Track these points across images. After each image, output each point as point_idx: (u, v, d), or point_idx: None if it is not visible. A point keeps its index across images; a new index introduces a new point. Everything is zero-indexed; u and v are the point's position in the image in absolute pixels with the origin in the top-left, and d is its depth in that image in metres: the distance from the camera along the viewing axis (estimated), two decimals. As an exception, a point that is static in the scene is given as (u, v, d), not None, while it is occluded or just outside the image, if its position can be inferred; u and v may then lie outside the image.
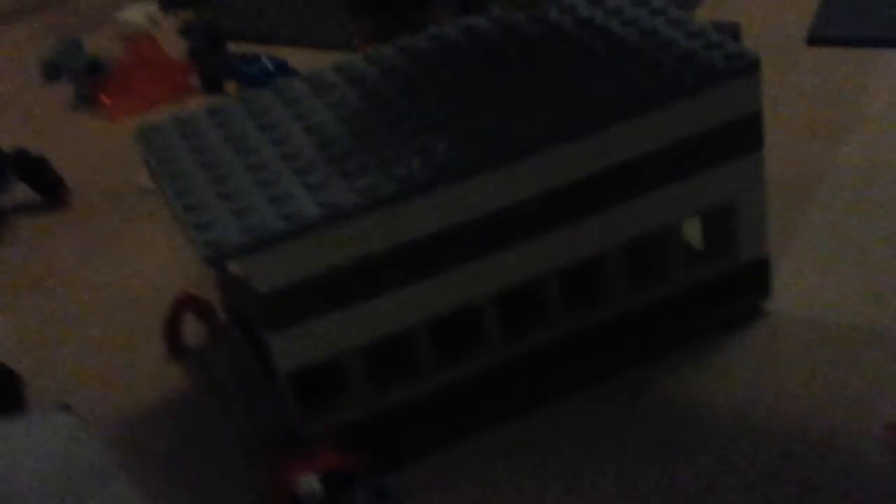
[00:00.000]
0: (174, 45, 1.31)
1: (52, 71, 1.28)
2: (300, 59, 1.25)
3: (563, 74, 0.76)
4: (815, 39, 1.15)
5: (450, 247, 0.72)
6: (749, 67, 0.74)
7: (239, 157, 0.75)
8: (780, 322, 0.83)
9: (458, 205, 0.71)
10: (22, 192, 1.12)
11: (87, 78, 1.27)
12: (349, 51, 1.22)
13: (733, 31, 1.14)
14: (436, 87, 0.78)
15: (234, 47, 1.30)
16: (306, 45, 1.31)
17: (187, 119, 0.80)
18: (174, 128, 0.80)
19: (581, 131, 0.72)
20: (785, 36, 1.17)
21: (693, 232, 0.82)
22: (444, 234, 0.71)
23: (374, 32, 1.20)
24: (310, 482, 0.69)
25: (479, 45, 0.81)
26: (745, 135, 0.76)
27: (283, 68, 1.22)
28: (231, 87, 1.24)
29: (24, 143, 1.15)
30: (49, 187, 1.12)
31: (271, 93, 0.81)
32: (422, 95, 0.77)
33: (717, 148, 0.76)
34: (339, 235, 0.69)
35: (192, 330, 0.89)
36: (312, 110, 0.78)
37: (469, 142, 0.72)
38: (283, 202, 0.69)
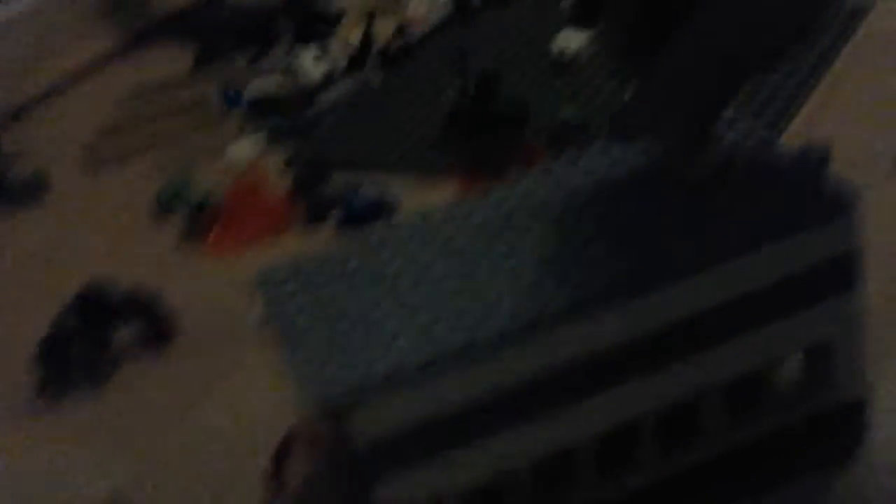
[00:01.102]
0: (279, 176, 1.34)
1: (164, 207, 1.31)
2: (400, 185, 1.27)
3: (677, 213, 0.77)
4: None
5: (555, 388, 0.73)
6: (848, 206, 0.75)
7: (354, 304, 0.77)
8: (872, 469, 0.81)
9: (564, 347, 0.72)
10: (131, 330, 1.14)
11: (196, 215, 1.30)
12: (450, 177, 1.24)
13: (824, 155, 1.13)
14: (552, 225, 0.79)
15: (337, 176, 1.32)
16: (407, 170, 1.33)
17: (308, 265, 0.82)
18: (293, 273, 0.82)
19: (698, 267, 0.73)
20: (876, 155, 1.15)
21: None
22: (547, 376, 0.72)
23: (473, 158, 1.22)
24: None
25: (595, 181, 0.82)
26: (844, 273, 0.77)
27: (384, 196, 1.24)
28: (334, 218, 1.25)
29: (136, 279, 1.17)
30: (159, 325, 1.14)
31: (388, 235, 0.83)
32: (531, 237, 0.78)
33: (816, 286, 0.76)
34: (442, 384, 0.70)
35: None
36: (426, 256, 0.80)
37: (584, 283, 0.73)
38: (390, 351, 0.71)
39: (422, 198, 1.24)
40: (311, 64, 1.51)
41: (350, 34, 1.54)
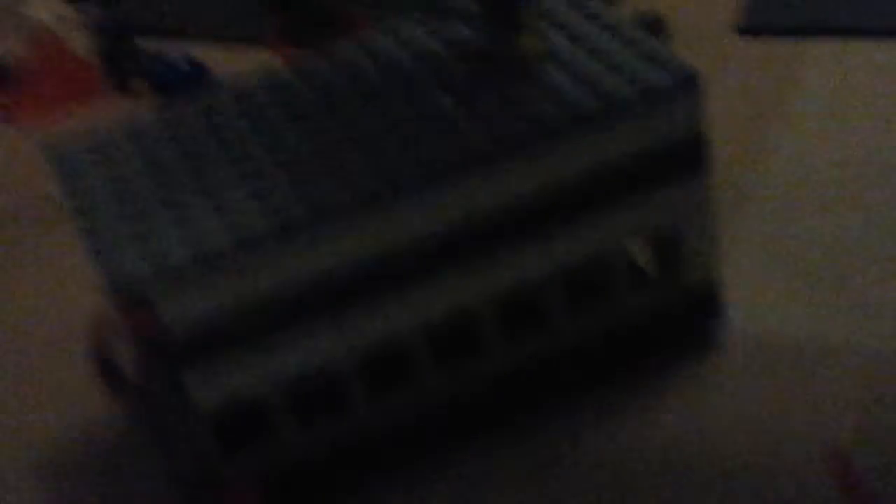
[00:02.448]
0: (82, 43, 1.25)
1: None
2: (213, 55, 1.20)
3: (497, 91, 0.72)
4: (744, 29, 1.12)
5: (377, 277, 0.68)
6: (692, 84, 0.70)
7: (153, 183, 0.70)
8: (729, 345, 0.80)
9: (384, 230, 0.67)
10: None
11: (-10, 80, 1.21)
12: (262, 46, 1.17)
13: (659, 25, 1.11)
14: (370, 105, 0.73)
15: (145, 43, 1.25)
16: (219, 38, 1.26)
17: (101, 138, 0.75)
18: (85, 147, 0.75)
19: (510, 153, 0.68)
20: (714, 27, 1.13)
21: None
22: (370, 262, 0.67)
23: (287, 27, 1.16)
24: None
25: (414, 57, 0.77)
26: (691, 155, 0.72)
27: (198, 69, 1.17)
28: (141, 85, 1.18)
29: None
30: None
31: (194, 109, 0.76)
32: (350, 115, 0.73)
33: (661, 169, 0.72)
34: (251, 266, 0.65)
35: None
36: (237, 132, 0.74)
37: (388, 165, 0.68)
38: (194, 231, 0.65)
39: (234, 67, 1.18)
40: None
41: None
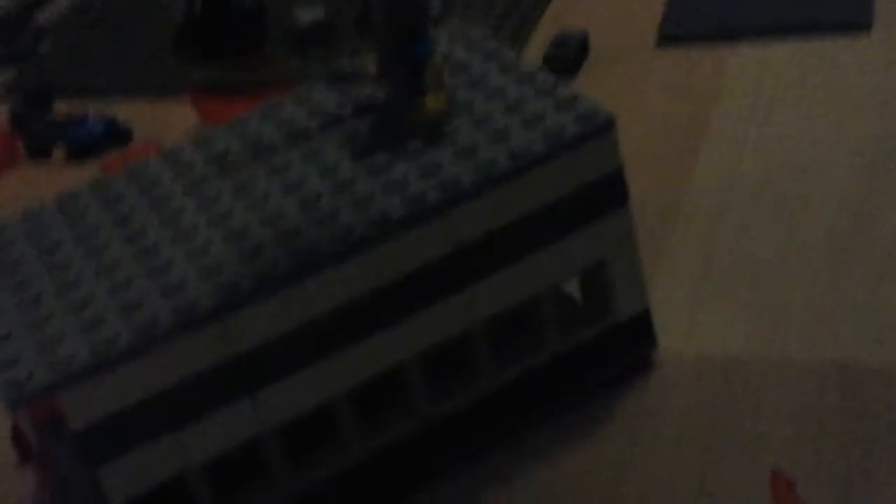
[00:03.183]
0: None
1: None
2: (132, 111, 1.18)
3: (406, 153, 0.70)
4: (664, 39, 1.10)
5: (294, 347, 0.66)
6: (604, 128, 0.69)
7: (52, 274, 0.68)
8: (666, 369, 0.78)
9: (296, 307, 0.65)
10: None
11: None
12: (183, 99, 1.15)
13: (582, 40, 1.09)
14: (279, 174, 0.71)
15: (61, 106, 1.23)
16: (138, 94, 1.24)
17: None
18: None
19: (424, 215, 0.66)
20: (634, 38, 1.12)
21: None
22: (282, 337, 0.66)
23: (205, 80, 1.14)
24: None
25: (323, 122, 0.75)
26: (609, 192, 0.71)
27: (113, 127, 1.15)
28: (59, 152, 1.16)
29: None
30: None
31: (87, 190, 0.75)
32: (259, 186, 0.71)
33: (581, 210, 0.71)
34: (154, 361, 0.63)
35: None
36: (132, 208, 0.72)
37: (297, 241, 0.66)
38: (94, 328, 0.63)
39: (155, 122, 1.16)
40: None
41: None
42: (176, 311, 0.63)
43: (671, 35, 1.10)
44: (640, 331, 0.77)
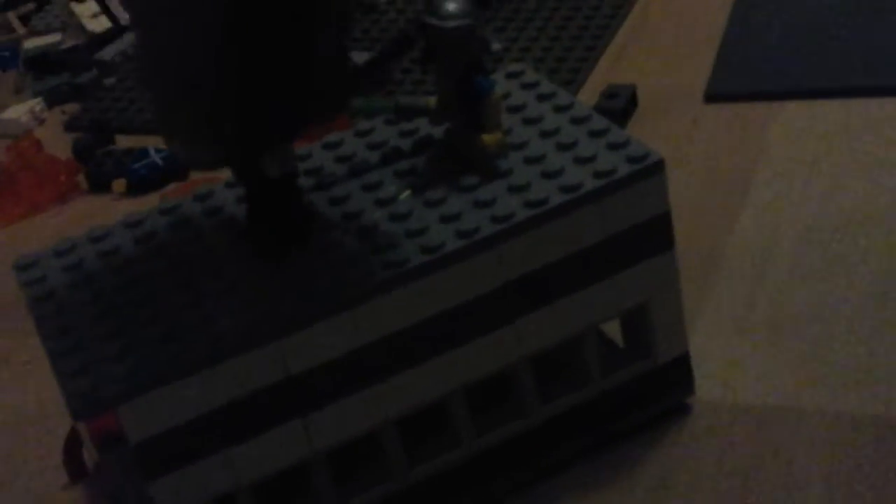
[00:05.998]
0: (60, 143, 1.27)
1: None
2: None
3: (463, 187, 0.73)
4: (712, 96, 1.13)
5: (345, 372, 0.68)
6: (655, 169, 0.71)
7: (123, 289, 0.71)
8: (702, 416, 0.79)
9: (351, 331, 0.67)
10: None
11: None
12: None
13: (631, 93, 1.12)
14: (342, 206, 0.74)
15: (122, 141, 1.26)
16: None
17: (69, 247, 0.76)
18: (54, 259, 0.75)
19: (479, 247, 0.69)
20: (683, 94, 1.14)
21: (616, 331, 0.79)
22: (337, 361, 0.68)
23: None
24: None
25: (383, 156, 0.78)
26: (656, 235, 0.73)
27: (173, 161, 1.18)
28: (119, 184, 1.19)
29: None
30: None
31: (159, 213, 0.78)
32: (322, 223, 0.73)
33: (628, 250, 0.73)
34: (224, 374, 0.65)
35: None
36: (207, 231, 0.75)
37: (350, 269, 0.68)
38: (161, 343, 0.66)
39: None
40: (90, 20, 1.43)
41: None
42: (240, 330, 0.66)
43: (719, 93, 1.12)
44: (679, 375, 0.78)
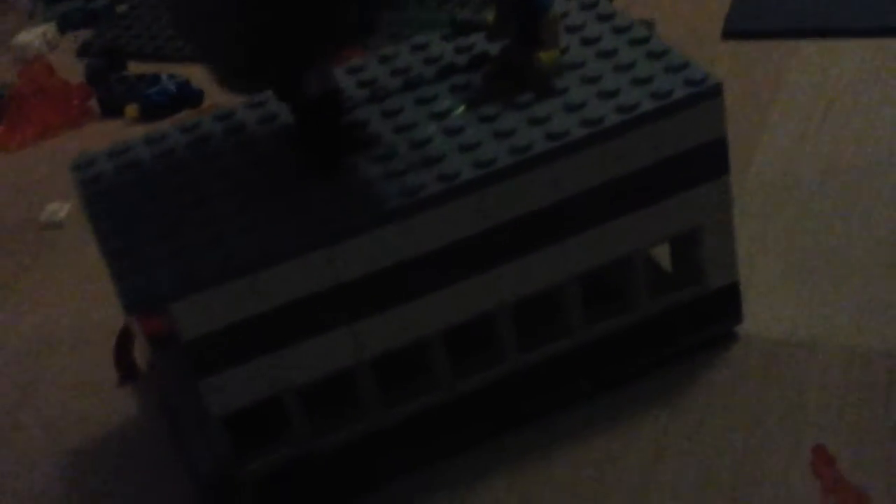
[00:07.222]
0: (72, 68, 1.26)
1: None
2: (204, 76, 1.20)
3: (518, 106, 0.72)
4: (729, 33, 1.13)
5: (394, 283, 0.69)
6: (713, 93, 0.71)
7: (177, 191, 0.71)
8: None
9: (401, 242, 0.67)
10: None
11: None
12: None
13: (648, 28, 1.12)
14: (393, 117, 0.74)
15: (134, 68, 1.26)
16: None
17: (124, 149, 0.76)
18: (109, 159, 0.75)
19: (532, 164, 0.68)
20: (700, 30, 1.14)
21: (665, 256, 0.79)
22: (386, 271, 0.68)
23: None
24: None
25: (439, 71, 0.77)
26: (711, 159, 0.73)
27: (186, 88, 1.18)
28: (131, 110, 1.18)
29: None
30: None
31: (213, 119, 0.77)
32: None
33: (682, 174, 0.72)
34: (274, 279, 0.65)
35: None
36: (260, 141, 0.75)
37: (412, 178, 0.68)
38: (216, 244, 0.66)
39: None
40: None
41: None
42: (291, 235, 0.66)
43: (735, 30, 1.13)
44: (728, 303, 0.78)
